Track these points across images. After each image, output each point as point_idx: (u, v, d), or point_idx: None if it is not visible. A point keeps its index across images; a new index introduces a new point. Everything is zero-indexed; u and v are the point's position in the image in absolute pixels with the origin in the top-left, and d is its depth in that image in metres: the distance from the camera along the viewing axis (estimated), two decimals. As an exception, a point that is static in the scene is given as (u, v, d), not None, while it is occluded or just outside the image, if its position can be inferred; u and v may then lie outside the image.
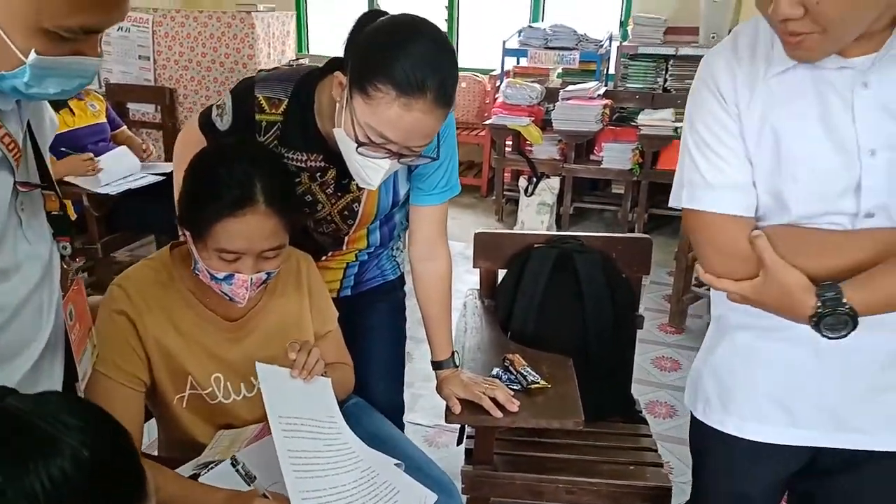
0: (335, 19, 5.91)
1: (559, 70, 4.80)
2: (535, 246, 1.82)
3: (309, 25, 5.78)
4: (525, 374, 1.46)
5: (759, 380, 1.10)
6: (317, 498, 1.02)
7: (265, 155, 1.21)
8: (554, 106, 4.27)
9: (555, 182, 4.27)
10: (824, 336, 0.94)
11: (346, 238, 1.43)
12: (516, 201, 4.42)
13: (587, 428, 1.66)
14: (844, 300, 0.91)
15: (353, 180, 1.26)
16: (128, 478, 0.55)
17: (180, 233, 1.19)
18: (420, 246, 1.41)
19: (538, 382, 1.44)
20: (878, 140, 0.91)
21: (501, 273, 1.88)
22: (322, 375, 1.19)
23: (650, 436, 1.73)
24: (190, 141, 1.37)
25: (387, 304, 1.55)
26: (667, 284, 3.38)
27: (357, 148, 1.12)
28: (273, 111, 1.27)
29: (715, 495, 1.27)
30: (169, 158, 4.11)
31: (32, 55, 0.71)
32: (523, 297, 1.78)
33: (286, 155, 1.30)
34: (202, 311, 1.21)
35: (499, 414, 1.35)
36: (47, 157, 0.92)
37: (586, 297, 1.77)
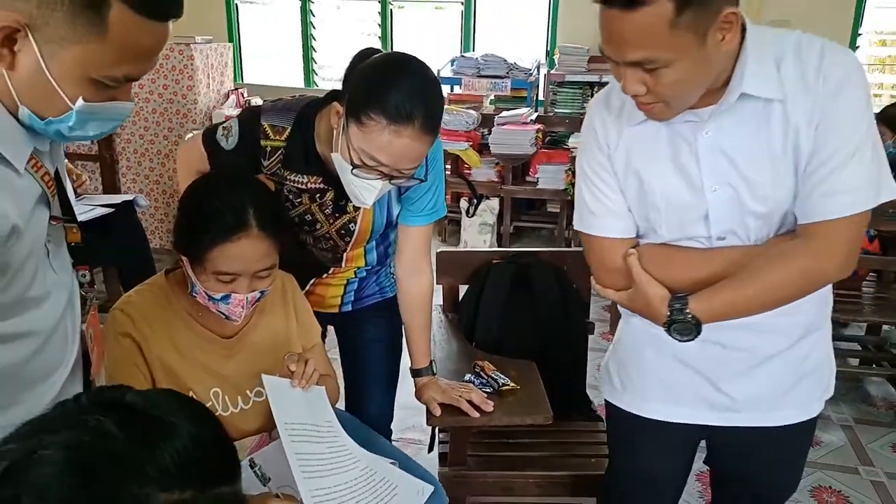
0: (267, 49, 5.98)
1: (492, 97, 5.03)
2: (494, 262, 1.96)
3: (243, 56, 5.82)
4: (496, 377, 1.59)
5: (650, 363, 1.29)
6: (326, 496, 1.11)
7: (255, 184, 1.30)
8: (490, 131, 4.47)
9: (494, 203, 4.45)
10: (675, 339, 1.14)
11: (345, 256, 1.54)
12: (458, 222, 4.57)
13: (550, 427, 1.81)
14: (688, 310, 1.11)
15: (350, 202, 1.38)
16: (230, 453, 0.64)
17: (178, 258, 1.27)
18: (406, 263, 1.53)
19: (508, 384, 1.57)
20: (717, 178, 1.10)
21: (462, 289, 2.02)
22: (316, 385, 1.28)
23: (605, 431, 1.88)
24: (192, 157, 1.46)
25: (384, 320, 1.65)
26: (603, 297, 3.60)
27: (352, 170, 1.24)
28: (277, 138, 1.38)
29: (622, 472, 1.45)
30: (107, 191, 4.06)
31: (80, 102, 0.79)
32: (485, 309, 1.92)
33: (288, 177, 1.41)
34: (200, 331, 1.28)
35: (476, 414, 1.47)
36: (69, 189, 0.99)
37: (543, 307, 1.93)
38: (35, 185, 0.86)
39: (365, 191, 1.27)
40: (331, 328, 1.73)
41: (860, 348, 3.13)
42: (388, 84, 1.19)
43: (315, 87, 5.63)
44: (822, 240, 1.05)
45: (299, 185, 1.42)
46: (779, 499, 1.40)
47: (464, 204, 4.48)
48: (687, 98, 1.03)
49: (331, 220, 1.47)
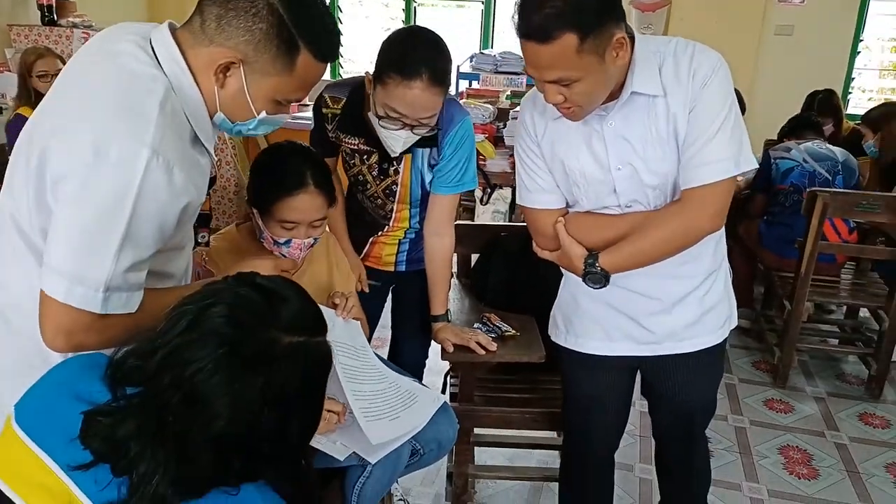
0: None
1: (508, 92, 5.30)
2: (502, 234, 2.25)
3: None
4: (499, 325, 1.89)
5: (586, 308, 1.61)
6: (364, 398, 1.41)
7: (311, 153, 1.62)
8: (505, 124, 4.75)
9: (507, 192, 4.73)
10: (589, 287, 1.46)
11: (393, 215, 1.86)
12: (473, 210, 4.86)
13: (546, 374, 2.11)
14: (597, 264, 1.43)
15: (391, 165, 1.71)
16: (320, 317, 0.95)
17: (249, 212, 1.58)
18: (432, 225, 1.84)
19: (510, 331, 1.87)
20: (620, 159, 1.39)
21: (474, 259, 2.31)
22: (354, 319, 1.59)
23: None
24: None
25: (425, 281, 1.91)
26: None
27: (379, 122, 1.57)
28: (335, 106, 1.74)
29: (572, 399, 1.76)
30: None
31: (263, 114, 1.08)
32: (494, 273, 2.20)
33: (343, 139, 1.76)
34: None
35: (482, 352, 1.76)
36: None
37: (544, 271, 2.20)
38: (209, 163, 1.16)
39: (392, 140, 1.60)
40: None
41: (839, 330, 3.39)
42: (401, 48, 1.53)
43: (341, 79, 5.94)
44: (696, 202, 1.35)
45: (352, 147, 1.76)
46: (701, 418, 1.71)
47: (478, 193, 4.76)
48: (595, 102, 1.33)
49: (378, 181, 1.80)
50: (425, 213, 1.86)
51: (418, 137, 1.64)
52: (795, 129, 3.40)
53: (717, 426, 2.66)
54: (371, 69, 1.59)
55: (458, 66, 5.21)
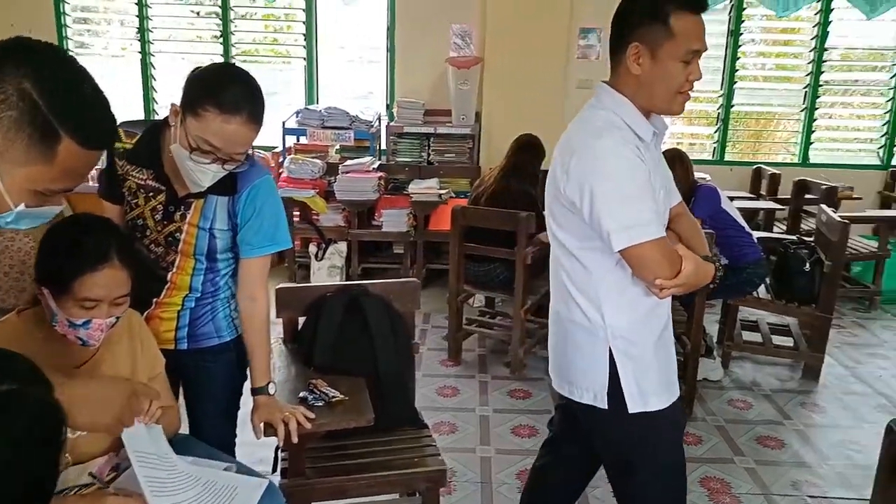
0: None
1: (337, 146, 5.33)
2: (328, 294, 2.22)
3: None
4: (327, 392, 1.84)
5: (658, 357, 1.62)
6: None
7: (112, 225, 1.51)
8: (335, 179, 4.75)
9: (342, 246, 4.72)
10: (711, 287, 1.72)
11: (171, 277, 1.71)
12: (308, 266, 4.78)
13: (381, 437, 2.08)
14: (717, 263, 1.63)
15: (178, 210, 1.64)
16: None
17: (38, 293, 1.41)
18: (245, 289, 1.75)
19: (338, 397, 1.83)
20: (661, 183, 1.60)
21: (302, 322, 2.25)
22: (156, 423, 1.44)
23: (430, 436, 2.17)
24: None
25: (219, 366, 1.82)
26: (444, 327, 3.93)
27: (190, 154, 1.51)
28: (128, 141, 1.68)
29: (670, 468, 1.68)
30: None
31: (21, 206, 0.96)
32: (321, 336, 2.16)
33: (130, 173, 1.67)
34: (51, 361, 1.42)
35: (294, 439, 1.67)
36: None
37: (374, 331, 2.20)
38: None
39: (201, 174, 1.55)
40: None
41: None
42: (221, 83, 1.51)
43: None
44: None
45: (138, 181, 1.67)
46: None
47: (313, 248, 4.70)
48: None
49: (160, 227, 1.68)
50: (211, 275, 1.76)
51: (226, 173, 1.59)
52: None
53: (464, 459, 2.76)
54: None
55: (284, 122, 5.16)
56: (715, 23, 5.53)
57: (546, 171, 5.08)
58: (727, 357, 3.72)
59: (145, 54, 5.61)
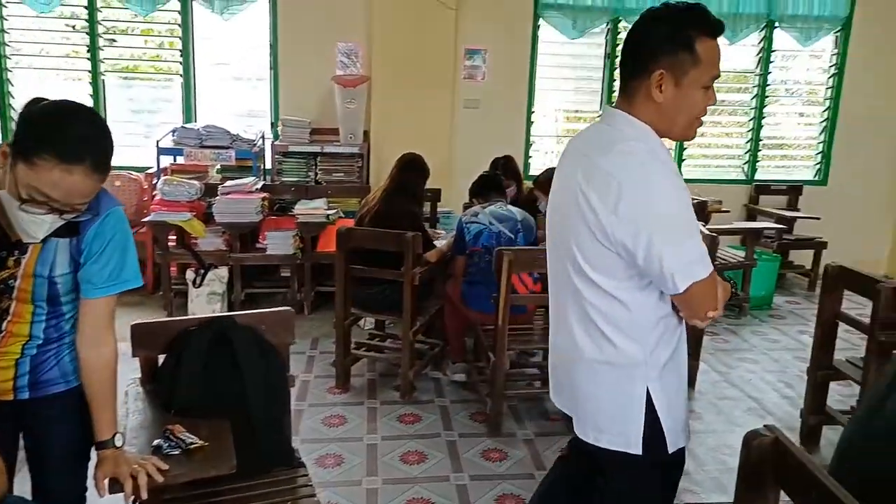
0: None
1: (218, 167, 5.09)
2: (192, 329, 2.06)
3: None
4: (184, 438, 1.69)
5: (682, 394, 1.60)
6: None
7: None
8: (215, 200, 4.53)
9: (223, 271, 4.49)
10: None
11: (5, 325, 1.51)
12: (186, 294, 4.51)
13: (252, 481, 1.95)
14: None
15: (10, 256, 1.43)
16: None
17: None
18: (86, 335, 1.57)
19: (196, 443, 1.68)
20: None
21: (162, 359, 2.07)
22: None
23: (306, 475, 2.05)
24: None
25: (67, 413, 1.63)
26: (332, 353, 3.80)
27: (20, 205, 1.34)
28: None
29: None
30: None
31: None
32: (185, 375, 1.99)
33: None
34: None
35: (144, 494, 1.52)
36: None
37: (243, 366, 2.06)
38: None
39: (34, 225, 1.38)
40: None
41: (539, 372, 3.74)
42: (58, 126, 1.33)
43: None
44: None
45: None
46: None
47: (190, 275, 4.44)
48: None
49: None
50: (55, 321, 1.59)
51: (64, 223, 1.43)
52: (482, 189, 3.71)
53: (440, 488, 2.71)
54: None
55: (159, 141, 4.87)
56: (593, 45, 5.77)
57: (433, 190, 5.01)
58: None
59: (1, 70, 5.14)
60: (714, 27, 1.45)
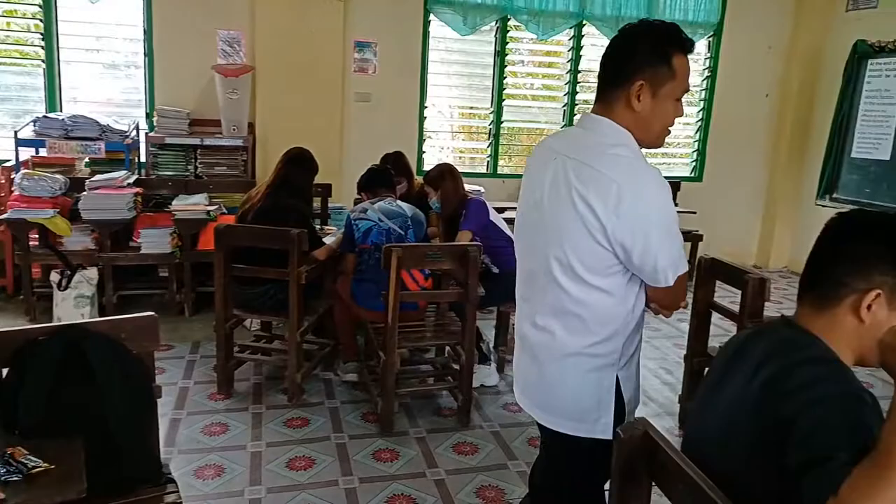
0: None
1: (86, 160, 4.71)
2: (40, 339, 1.86)
3: None
4: (26, 462, 1.51)
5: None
6: None
7: None
8: (82, 196, 4.17)
9: (92, 273, 4.14)
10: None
11: None
12: (50, 297, 4.13)
13: (113, 501, 1.78)
14: None
15: None
16: None
17: None
18: None
19: (40, 466, 1.50)
20: None
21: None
22: None
23: (176, 491, 1.90)
24: None
25: None
26: (214, 357, 3.58)
27: None
28: None
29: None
30: None
31: None
32: (30, 391, 1.79)
33: None
34: None
35: None
36: None
37: (99, 379, 1.88)
38: None
39: None
40: None
41: (433, 368, 3.72)
42: None
43: None
44: None
45: None
46: None
47: (55, 277, 4.07)
48: None
49: None
50: None
51: None
52: (370, 184, 3.62)
53: (328, 493, 2.61)
54: None
55: (17, 132, 4.43)
56: (483, 43, 5.80)
57: (324, 186, 4.86)
58: (502, 362, 3.84)
59: None
60: (686, 45, 1.57)
